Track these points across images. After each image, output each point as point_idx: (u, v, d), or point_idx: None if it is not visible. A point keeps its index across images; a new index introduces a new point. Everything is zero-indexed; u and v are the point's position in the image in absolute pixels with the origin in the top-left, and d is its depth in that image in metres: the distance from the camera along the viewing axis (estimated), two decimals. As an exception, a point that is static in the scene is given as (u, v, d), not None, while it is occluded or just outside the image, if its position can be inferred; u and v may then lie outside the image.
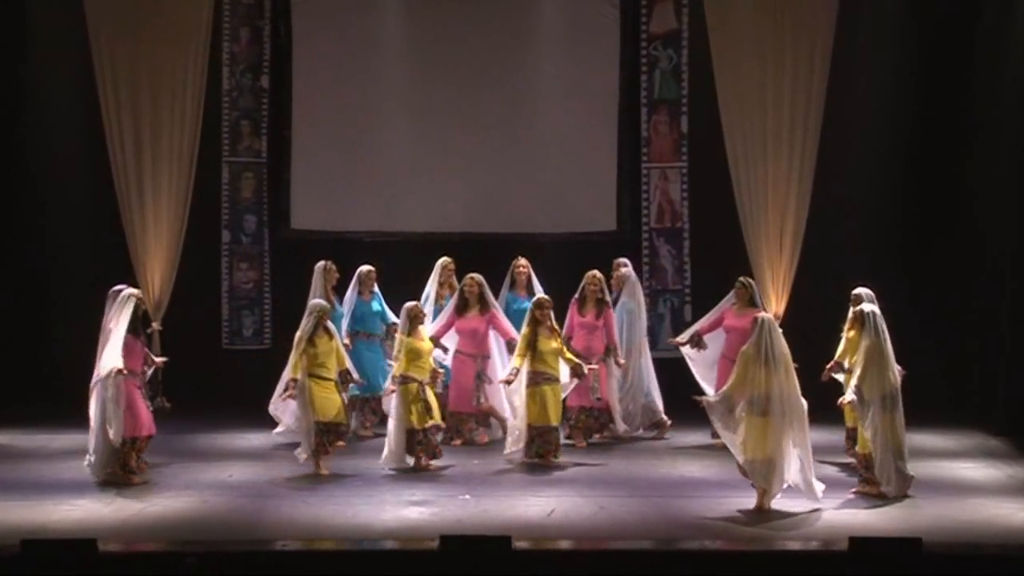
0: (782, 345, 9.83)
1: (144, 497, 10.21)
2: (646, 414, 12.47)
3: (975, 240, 13.73)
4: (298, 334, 11.13)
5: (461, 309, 12.07)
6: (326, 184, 14.54)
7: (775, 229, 13.99)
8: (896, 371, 10.19)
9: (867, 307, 10.30)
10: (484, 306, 12.07)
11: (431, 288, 12.62)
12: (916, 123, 14.15)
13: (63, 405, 13.47)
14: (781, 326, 13.74)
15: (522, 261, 12.88)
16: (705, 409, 9.96)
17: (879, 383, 10.07)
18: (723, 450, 10.43)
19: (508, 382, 11.38)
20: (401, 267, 13.33)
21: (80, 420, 12.78)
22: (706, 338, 12.25)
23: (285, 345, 14.07)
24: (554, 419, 11.33)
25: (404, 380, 11.13)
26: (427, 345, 11.38)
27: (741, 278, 12.34)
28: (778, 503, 9.92)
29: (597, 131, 14.53)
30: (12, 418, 13.09)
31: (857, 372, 10.12)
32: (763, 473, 9.70)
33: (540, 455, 11.32)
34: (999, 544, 8.91)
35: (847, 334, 10.86)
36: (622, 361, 12.17)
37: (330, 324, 11.27)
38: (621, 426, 12.22)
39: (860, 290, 11.04)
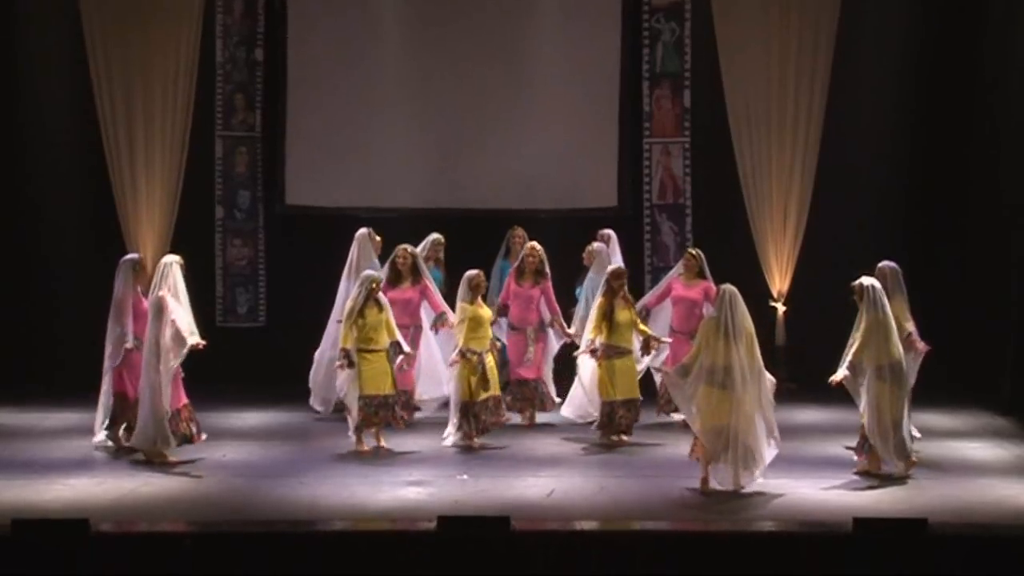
0: (744, 318, 9.79)
1: (137, 476, 10.21)
2: None
3: (982, 219, 13.71)
4: (348, 304, 11.16)
5: (393, 280, 11.95)
6: (322, 159, 14.50)
7: (779, 205, 13.99)
8: (898, 345, 10.17)
9: (867, 280, 10.30)
10: (416, 277, 12.01)
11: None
12: (923, 99, 14.13)
13: (54, 382, 13.52)
14: (785, 304, 13.87)
15: (519, 231, 12.98)
16: (665, 381, 9.98)
17: (876, 354, 10.07)
18: (684, 428, 10.46)
19: (592, 352, 11.23)
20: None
21: (72, 398, 12.85)
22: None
23: (279, 323, 14.09)
24: (634, 391, 11.28)
25: (466, 353, 11.08)
26: (487, 313, 11.31)
27: (690, 248, 12.29)
28: (780, 484, 9.93)
29: (598, 105, 14.49)
30: (2, 396, 13.08)
31: (854, 348, 10.13)
32: (716, 445, 9.66)
33: (623, 431, 11.25)
34: (1006, 525, 8.92)
35: None
36: (571, 331, 12.05)
37: (381, 296, 11.26)
38: (554, 399, 12.12)
39: (884, 264, 10.98)
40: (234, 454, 10.99)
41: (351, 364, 10.95)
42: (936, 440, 11.15)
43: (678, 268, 12.32)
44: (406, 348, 11.25)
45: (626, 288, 11.39)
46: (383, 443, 11.15)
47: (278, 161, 14.55)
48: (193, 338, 10.58)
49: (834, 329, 11.06)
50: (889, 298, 10.63)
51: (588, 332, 11.40)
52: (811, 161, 13.95)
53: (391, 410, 11.10)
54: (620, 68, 14.46)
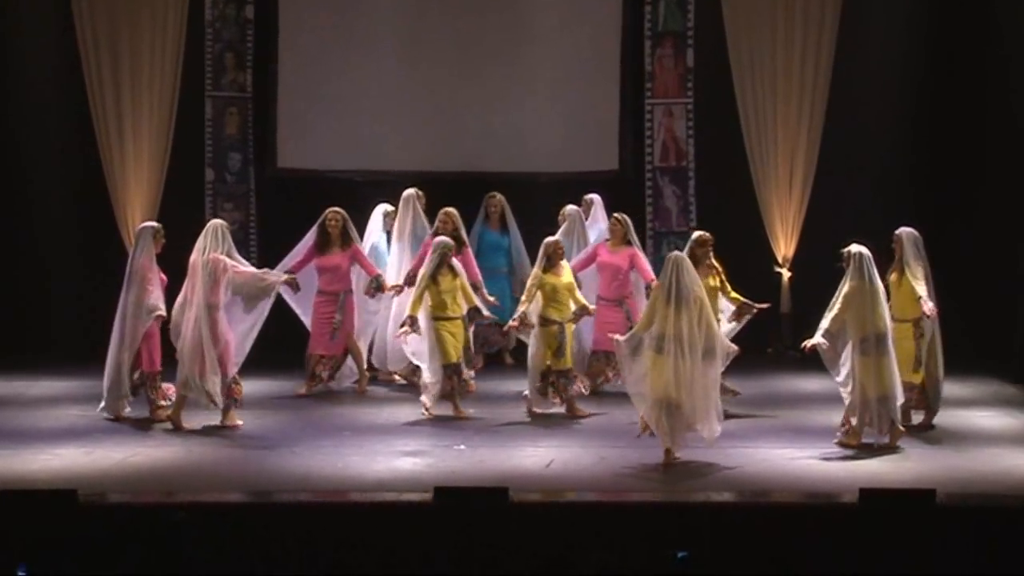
0: (692, 284, 9.74)
1: (126, 446, 10.22)
2: None
3: (995, 185, 13.69)
4: (421, 271, 11.17)
5: (322, 246, 11.90)
6: (314, 120, 14.46)
7: (784, 168, 13.97)
8: (885, 317, 10.12)
9: (855, 248, 10.30)
10: (346, 242, 11.97)
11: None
12: (932, 59, 14.08)
13: (41, 350, 13.52)
14: (790, 269, 13.86)
15: (498, 197, 12.97)
16: (616, 351, 10.00)
17: (859, 325, 10.06)
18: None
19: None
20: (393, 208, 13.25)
21: (60, 366, 12.86)
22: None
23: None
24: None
25: (544, 322, 11.02)
26: (566, 280, 11.20)
27: (616, 214, 12.22)
28: (785, 454, 9.95)
29: (598, 65, 14.44)
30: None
31: (831, 314, 10.13)
32: (660, 412, 9.67)
33: None
34: (1016, 495, 8.94)
35: (891, 280, 10.82)
36: (491, 299, 11.91)
37: (455, 261, 11.28)
38: (477, 365, 12.11)
39: (902, 231, 10.90)
40: (229, 421, 10.97)
41: (414, 330, 10.95)
42: (945, 409, 11.15)
43: (604, 233, 12.25)
44: (486, 312, 11.30)
45: (712, 256, 11.17)
46: (462, 411, 11.16)
47: (270, 122, 14.51)
48: (277, 275, 11.12)
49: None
50: (904, 264, 10.61)
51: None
52: (818, 122, 13.91)
53: (461, 377, 11.14)
54: (621, 26, 14.40)
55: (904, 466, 9.75)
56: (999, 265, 13.46)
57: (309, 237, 12.07)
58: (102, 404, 11.02)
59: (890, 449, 10.08)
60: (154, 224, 11.28)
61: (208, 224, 11.04)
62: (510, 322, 11.14)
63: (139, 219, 13.69)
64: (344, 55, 14.43)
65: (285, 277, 11.31)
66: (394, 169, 14.23)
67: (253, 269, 11.14)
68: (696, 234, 11.47)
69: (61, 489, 8.49)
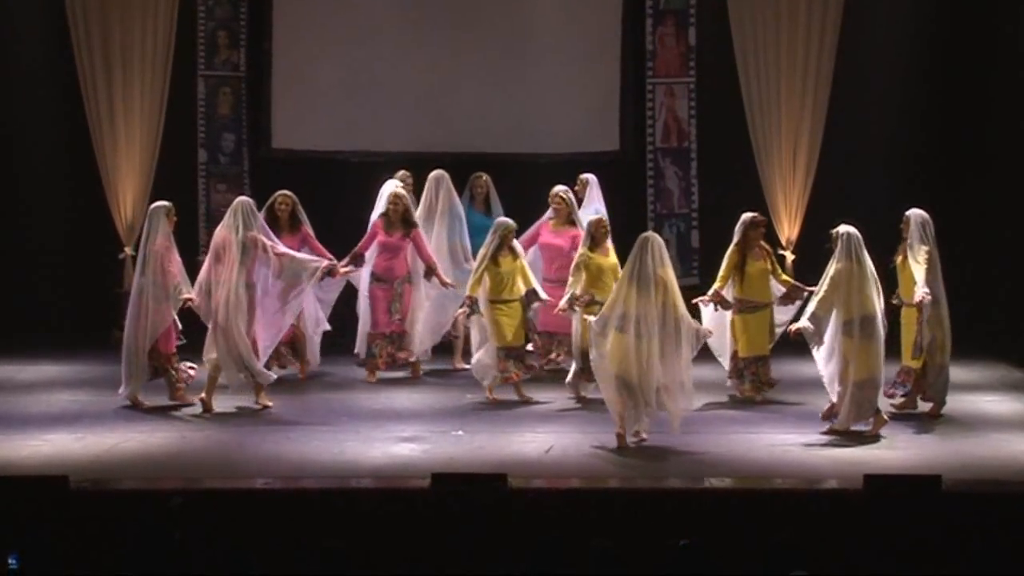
0: (659, 266, 9.79)
1: (118, 431, 10.22)
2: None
3: (1001, 164, 13.66)
4: (481, 251, 11.18)
5: (271, 229, 11.64)
6: (309, 100, 14.41)
7: (788, 149, 13.93)
8: (873, 299, 10.07)
9: (843, 228, 10.28)
10: (295, 225, 11.87)
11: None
12: (941, 36, 14.03)
13: (31, 334, 13.49)
14: (794, 252, 13.84)
15: (484, 178, 12.88)
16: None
17: (845, 307, 10.04)
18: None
19: (716, 301, 11.00)
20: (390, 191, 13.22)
21: (49, 350, 12.85)
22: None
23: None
24: (763, 348, 11.13)
25: (591, 302, 10.87)
26: (611, 261, 11.10)
27: (560, 191, 12.11)
28: (789, 439, 9.96)
29: (598, 43, 14.39)
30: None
31: (817, 297, 10.13)
32: (622, 394, 9.72)
33: (757, 387, 11.13)
34: (1022, 481, 8.94)
35: (897, 263, 10.81)
36: (448, 281, 11.91)
37: (516, 243, 11.25)
38: (418, 349, 12.12)
39: (911, 212, 10.87)
40: (219, 408, 10.97)
41: (473, 312, 10.94)
42: (951, 394, 11.16)
43: (548, 213, 12.18)
44: (543, 295, 11.25)
45: (763, 238, 11.12)
46: (524, 394, 11.15)
47: (264, 102, 14.46)
48: (319, 260, 11.25)
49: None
50: (908, 246, 10.60)
51: (716, 284, 11.10)
52: (822, 101, 13.87)
53: (523, 361, 11.12)
54: (621, 3, 14.34)
55: (909, 452, 9.76)
56: (1007, 246, 13.44)
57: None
58: (122, 389, 10.94)
59: (872, 437, 10.03)
60: (166, 203, 11.19)
61: (235, 202, 11.08)
62: (560, 304, 11.02)
63: (131, 200, 13.68)
64: (339, 33, 14.38)
65: (326, 264, 11.31)
66: (390, 150, 14.18)
67: (288, 250, 11.19)
68: (748, 215, 11.42)
69: (52, 475, 8.49)
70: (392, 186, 12.53)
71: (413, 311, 12.04)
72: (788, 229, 13.99)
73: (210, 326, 10.86)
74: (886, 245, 11.09)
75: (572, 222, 12.01)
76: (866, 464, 9.24)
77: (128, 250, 13.65)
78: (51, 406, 11.07)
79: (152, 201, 12.79)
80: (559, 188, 12.27)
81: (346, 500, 8.54)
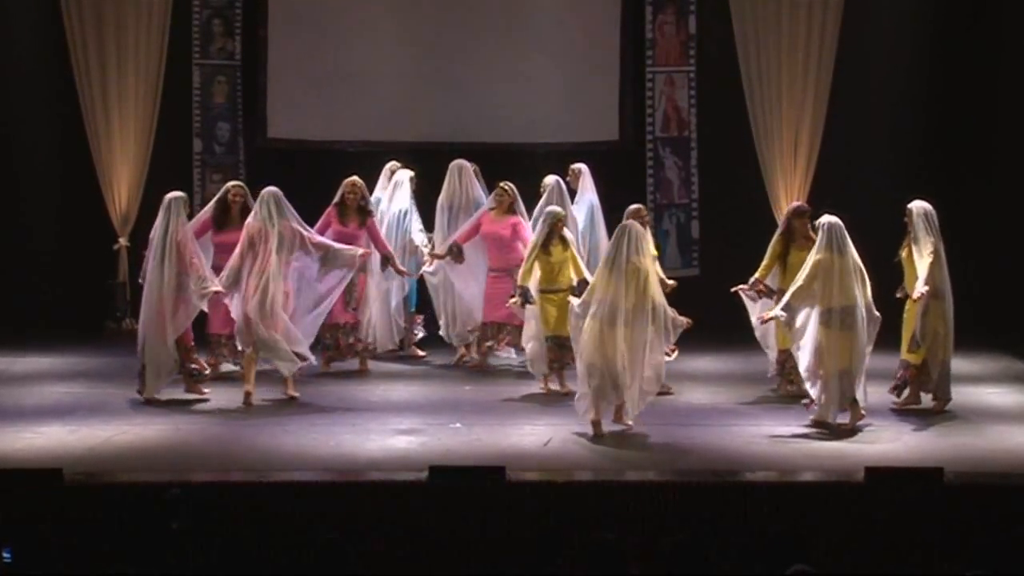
0: (632, 254, 9.89)
1: (112, 424, 10.23)
2: None
3: (1006, 153, 13.67)
4: (532, 240, 11.17)
5: (221, 222, 11.49)
6: (306, 89, 14.42)
7: (790, 138, 13.94)
8: (853, 289, 10.03)
9: (826, 219, 10.30)
10: (245, 217, 11.70)
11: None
12: (945, 22, 14.04)
13: (24, 325, 13.49)
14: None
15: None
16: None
17: (824, 296, 10.02)
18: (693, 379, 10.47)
19: (759, 290, 10.84)
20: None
21: (43, 342, 12.86)
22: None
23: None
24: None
25: None
26: (652, 252, 11.06)
27: (504, 183, 12.10)
28: (789, 431, 9.97)
29: (597, 32, 14.39)
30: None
31: (795, 286, 10.14)
32: (593, 381, 9.82)
33: (792, 380, 10.96)
34: (1025, 475, 8.97)
35: (903, 256, 10.79)
36: (403, 269, 11.98)
37: (567, 232, 11.26)
38: (380, 347, 12.24)
39: (913, 204, 10.79)
40: (215, 400, 10.99)
41: (527, 302, 10.92)
42: (954, 385, 11.17)
43: (489, 202, 12.17)
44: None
45: (809, 227, 10.98)
46: (568, 387, 11.15)
47: (259, 91, 14.46)
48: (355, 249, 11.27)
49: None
50: (914, 239, 10.57)
51: (757, 273, 10.98)
52: (824, 90, 13.87)
53: (570, 351, 11.09)
54: (622, -8, 14.37)
55: (911, 444, 9.77)
56: (1012, 236, 13.45)
57: (207, 211, 11.63)
58: (142, 389, 10.86)
59: (849, 431, 10.00)
60: (182, 194, 11.09)
61: (265, 192, 11.03)
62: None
63: (125, 191, 13.70)
64: (336, 21, 14.37)
65: (363, 251, 11.33)
66: (387, 140, 14.20)
67: (324, 239, 11.25)
68: (794, 205, 11.39)
69: (46, 468, 8.51)
70: (393, 168, 12.54)
71: (368, 301, 12.07)
72: (790, 219, 13.98)
73: (240, 319, 10.84)
74: (889, 233, 11.10)
75: (513, 211, 12.01)
76: (867, 457, 9.25)
77: (123, 241, 13.67)
78: (45, 398, 11.08)
79: (147, 191, 12.84)
80: (549, 178, 12.30)
81: (342, 493, 8.55)
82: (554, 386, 11.20)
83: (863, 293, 10.13)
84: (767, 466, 9.25)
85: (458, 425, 10.26)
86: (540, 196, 12.31)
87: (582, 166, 12.73)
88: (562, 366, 11.12)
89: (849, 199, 12.76)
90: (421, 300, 12.69)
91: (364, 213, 11.89)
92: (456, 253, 12.03)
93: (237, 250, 10.88)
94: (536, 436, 9.93)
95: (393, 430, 10.09)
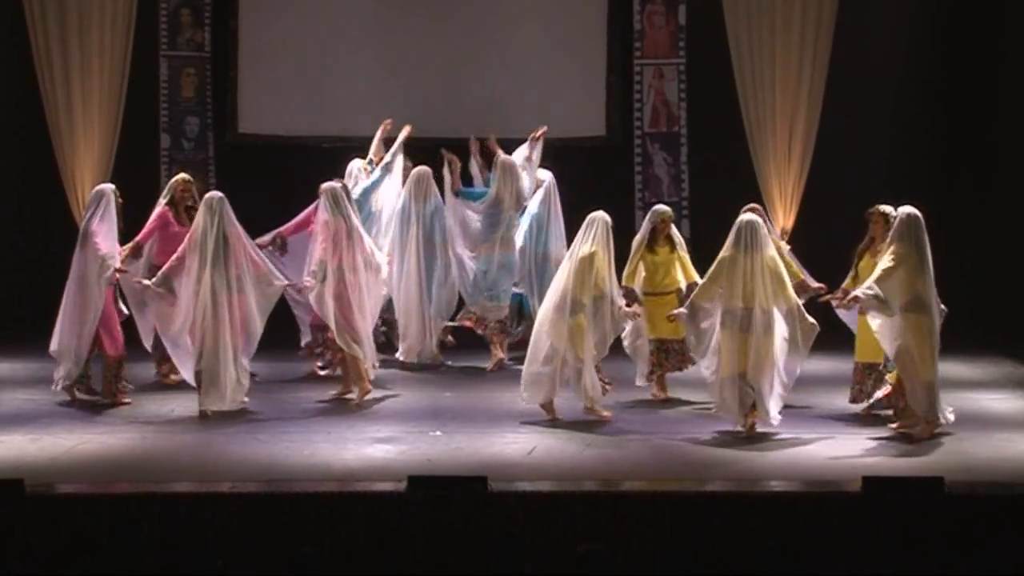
0: (586, 244, 10.31)
1: (75, 433, 10.21)
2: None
3: (1005, 155, 13.73)
4: (636, 239, 11.17)
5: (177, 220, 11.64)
6: (278, 82, 14.42)
7: (783, 134, 13.98)
8: (765, 292, 10.01)
9: (743, 216, 10.36)
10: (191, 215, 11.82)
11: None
12: (942, 17, 14.11)
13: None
14: (789, 242, 13.89)
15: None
16: None
17: (728, 296, 10.05)
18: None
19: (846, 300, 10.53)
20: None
21: (3, 345, 12.82)
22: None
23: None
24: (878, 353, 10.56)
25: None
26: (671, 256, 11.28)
27: (335, 181, 12.14)
28: (784, 440, 10.00)
29: (583, 23, 14.43)
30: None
31: (700, 285, 10.30)
32: (555, 371, 10.30)
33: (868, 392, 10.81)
34: (1028, 484, 9.00)
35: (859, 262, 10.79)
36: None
37: (675, 231, 11.23)
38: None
39: (899, 209, 10.67)
40: (182, 408, 10.97)
41: (633, 303, 10.86)
42: (954, 391, 11.21)
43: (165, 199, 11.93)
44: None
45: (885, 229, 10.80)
46: (668, 392, 11.24)
47: (230, 84, 14.47)
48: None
49: (843, 270, 11.09)
50: (888, 243, 10.48)
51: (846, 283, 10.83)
52: (819, 83, 13.92)
53: (681, 355, 11.09)
54: (608, -19, 14.41)
55: (910, 453, 9.79)
56: (1013, 239, 13.50)
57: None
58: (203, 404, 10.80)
59: (750, 439, 10.04)
60: (220, 194, 11.03)
61: (330, 187, 11.13)
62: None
63: (89, 188, 13.61)
64: (310, 11, 14.38)
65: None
66: (364, 135, 14.17)
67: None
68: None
69: (6, 479, 8.48)
70: (361, 164, 12.57)
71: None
72: (783, 218, 14.03)
73: (333, 320, 10.99)
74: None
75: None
76: (864, 465, 9.28)
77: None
78: (5, 406, 11.05)
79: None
80: (543, 173, 12.35)
81: (317, 504, 8.53)
82: (657, 391, 11.25)
83: (782, 297, 10.08)
84: (761, 475, 9.27)
85: (438, 433, 10.26)
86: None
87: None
88: (664, 371, 11.15)
89: (844, 197, 12.81)
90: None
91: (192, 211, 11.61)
92: (280, 245, 11.93)
93: (325, 248, 10.99)
94: (520, 444, 9.94)
95: (371, 438, 10.09)
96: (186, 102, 14.42)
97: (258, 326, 10.85)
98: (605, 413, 10.63)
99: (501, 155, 12.49)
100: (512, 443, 9.98)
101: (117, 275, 10.99)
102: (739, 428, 10.14)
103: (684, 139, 14.42)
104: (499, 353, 12.48)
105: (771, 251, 10.18)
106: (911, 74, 14.16)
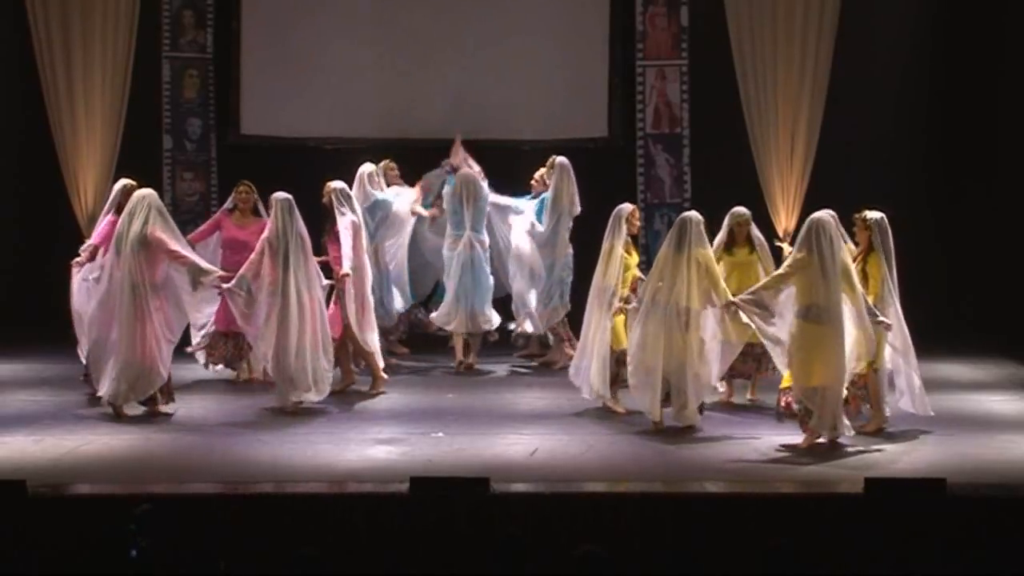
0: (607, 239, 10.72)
1: (78, 434, 10.21)
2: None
3: (1007, 155, 13.72)
4: (716, 240, 11.13)
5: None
6: (280, 83, 14.43)
7: (786, 135, 13.96)
8: (684, 292, 10.09)
9: (684, 215, 10.55)
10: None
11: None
12: (944, 16, 14.10)
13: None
14: (791, 243, 13.87)
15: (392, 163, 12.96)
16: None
17: (650, 289, 10.25)
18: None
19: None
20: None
21: (4, 347, 12.83)
22: None
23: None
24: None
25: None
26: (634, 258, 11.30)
27: (245, 182, 12.06)
28: (788, 443, 9.99)
29: (585, 23, 14.43)
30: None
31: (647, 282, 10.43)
32: None
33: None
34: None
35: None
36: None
37: (755, 232, 11.20)
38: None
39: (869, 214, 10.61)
40: (186, 410, 10.98)
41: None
42: (957, 392, 11.21)
43: (229, 203, 12.02)
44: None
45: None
46: (754, 395, 11.30)
47: (232, 86, 14.48)
48: None
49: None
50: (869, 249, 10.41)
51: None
52: (822, 84, 13.89)
53: (758, 359, 11.05)
54: (610, -18, 14.41)
55: (912, 454, 9.79)
56: (1014, 240, 13.49)
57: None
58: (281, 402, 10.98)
59: (687, 430, 10.19)
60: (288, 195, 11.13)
61: (338, 186, 11.40)
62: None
63: (91, 190, 13.62)
64: (312, 12, 14.39)
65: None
66: (366, 136, 14.22)
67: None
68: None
69: (8, 480, 8.49)
70: (368, 168, 12.58)
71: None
72: (785, 219, 14.02)
73: (361, 313, 11.32)
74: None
75: (258, 214, 11.89)
76: (867, 467, 9.28)
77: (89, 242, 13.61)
78: (7, 407, 11.05)
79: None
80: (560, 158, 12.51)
81: (320, 505, 8.55)
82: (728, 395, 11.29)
83: (694, 295, 10.16)
84: (763, 477, 9.26)
85: (440, 434, 10.26)
86: (529, 191, 12.43)
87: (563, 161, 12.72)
88: (738, 375, 11.16)
89: (847, 198, 12.79)
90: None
91: (260, 216, 11.79)
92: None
93: (355, 246, 11.35)
94: (522, 446, 9.94)
95: (373, 440, 10.09)
96: (188, 103, 14.43)
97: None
98: (619, 409, 10.73)
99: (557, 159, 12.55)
100: (514, 444, 9.98)
101: (217, 282, 10.88)
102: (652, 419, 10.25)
103: (686, 140, 14.42)
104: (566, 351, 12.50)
105: (707, 250, 10.30)
106: (913, 75, 14.16)
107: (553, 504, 8.59)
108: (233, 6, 14.42)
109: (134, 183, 11.54)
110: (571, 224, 12.51)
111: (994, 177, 13.86)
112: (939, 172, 13.95)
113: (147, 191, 10.95)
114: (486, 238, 12.52)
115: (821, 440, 9.83)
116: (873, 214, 10.44)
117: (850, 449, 9.87)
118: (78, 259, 11.30)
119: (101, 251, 11.26)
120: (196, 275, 10.78)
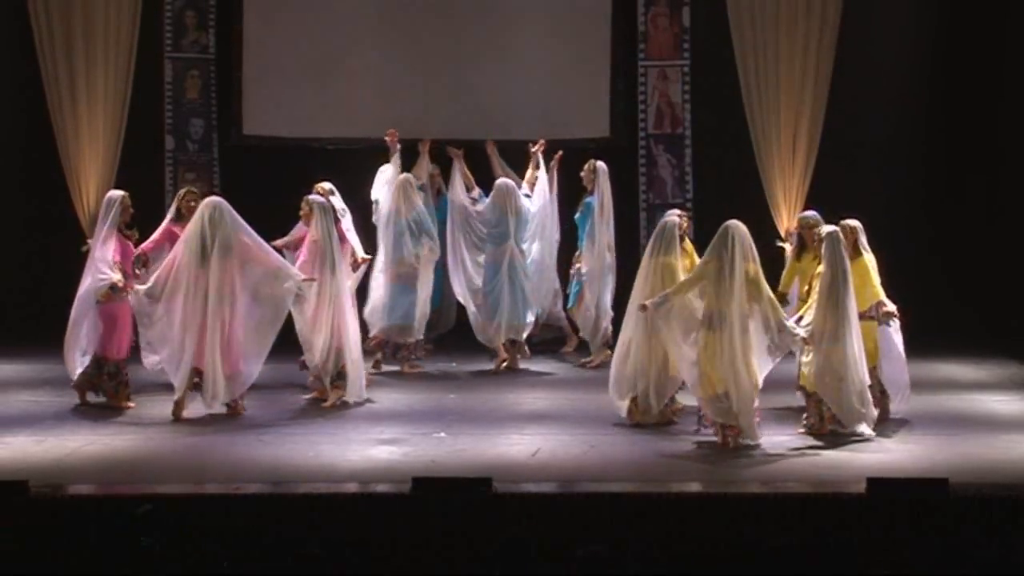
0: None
1: (80, 434, 10.21)
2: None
3: (1008, 155, 13.71)
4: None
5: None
6: (282, 84, 14.42)
7: (788, 135, 13.95)
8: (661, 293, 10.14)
9: (670, 217, 10.70)
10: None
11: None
12: (946, 19, 14.09)
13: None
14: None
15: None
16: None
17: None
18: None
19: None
20: (368, 179, 13.23)
21: (8, 348, 12.83)
22: None
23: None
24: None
25: None
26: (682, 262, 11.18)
27: (191, 188, 12.02)
28: (789, 441, 9.98)
29: (587, 23, 14.43)
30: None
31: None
32: None
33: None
34: (1034, 485, 8.99)
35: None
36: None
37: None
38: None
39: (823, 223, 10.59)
40: (188, 410, 10.96)
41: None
42: (959, 392, 11.21)
43: (173, 211, 11.80)
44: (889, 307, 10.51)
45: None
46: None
47: (234, 86, 14.47)
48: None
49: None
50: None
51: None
52: (823, 86, 13.88)
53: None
54: (613, -18, 14.41)
55: (915, 454, 9.79)
56: (1017, 241, 13.48)
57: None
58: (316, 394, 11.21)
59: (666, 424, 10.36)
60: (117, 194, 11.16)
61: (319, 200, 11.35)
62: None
63: (94, 190, 13.61)
64: (314, 12, 14.38)
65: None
66: (368, 136, 14.20)
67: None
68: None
69: (11, 480, 8.48)
70: (392, 170, 12.58)
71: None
72: (787, 220, 14.00)
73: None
74: (890, 234, 11.12)
75: None
76: (869, 467, 9.27)
77: (91, 243, 13.60)
78: (9, 407, 11.05)
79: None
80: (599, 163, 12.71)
81: (322, 505, 8.54)
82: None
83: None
84: (765, 476, 9.26)
85: (442, 434, 10.26)
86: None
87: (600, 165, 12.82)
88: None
89: (848, 198, 12.79)
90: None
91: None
92: (143, 262, 11.40)
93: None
94: (524, 446, 9.93)
95: (375, 440, 10.09)
96: (190, 104, 14.43)
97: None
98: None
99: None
100: (516, 445, 9.98)
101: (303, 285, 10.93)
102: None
103: (688, 140, 14.42)
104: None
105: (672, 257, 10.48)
106: (915, 75, 14.14)
107: (555, 504, 8.59)
108: (235, 7, 14.42)
109: (195, 190, 11.83)
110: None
111: (998, 177, 13.85)
112: (941, 172, 13.93)
113: (216, 198, 11.08)
114: (526, 247, 12.74)
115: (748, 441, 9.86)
116: (828, 228, 10.35)
117: (852, 449, 9.86)
118: (136, 272, 11.05)
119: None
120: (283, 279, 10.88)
